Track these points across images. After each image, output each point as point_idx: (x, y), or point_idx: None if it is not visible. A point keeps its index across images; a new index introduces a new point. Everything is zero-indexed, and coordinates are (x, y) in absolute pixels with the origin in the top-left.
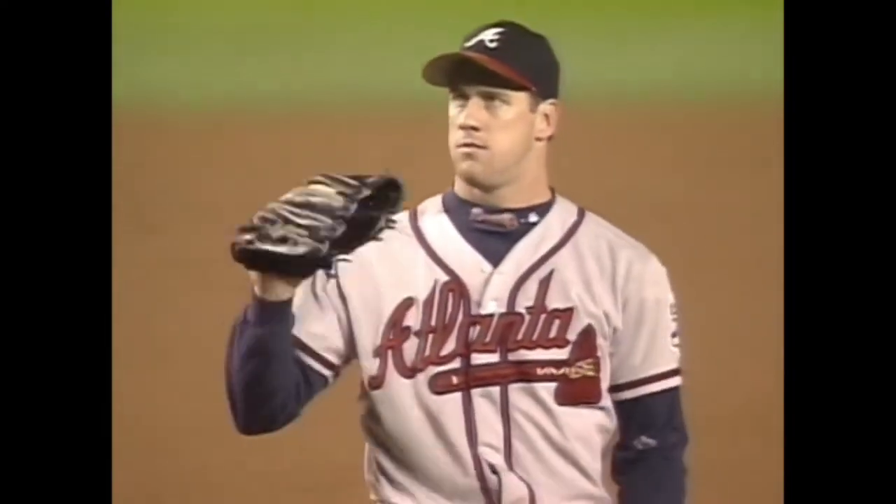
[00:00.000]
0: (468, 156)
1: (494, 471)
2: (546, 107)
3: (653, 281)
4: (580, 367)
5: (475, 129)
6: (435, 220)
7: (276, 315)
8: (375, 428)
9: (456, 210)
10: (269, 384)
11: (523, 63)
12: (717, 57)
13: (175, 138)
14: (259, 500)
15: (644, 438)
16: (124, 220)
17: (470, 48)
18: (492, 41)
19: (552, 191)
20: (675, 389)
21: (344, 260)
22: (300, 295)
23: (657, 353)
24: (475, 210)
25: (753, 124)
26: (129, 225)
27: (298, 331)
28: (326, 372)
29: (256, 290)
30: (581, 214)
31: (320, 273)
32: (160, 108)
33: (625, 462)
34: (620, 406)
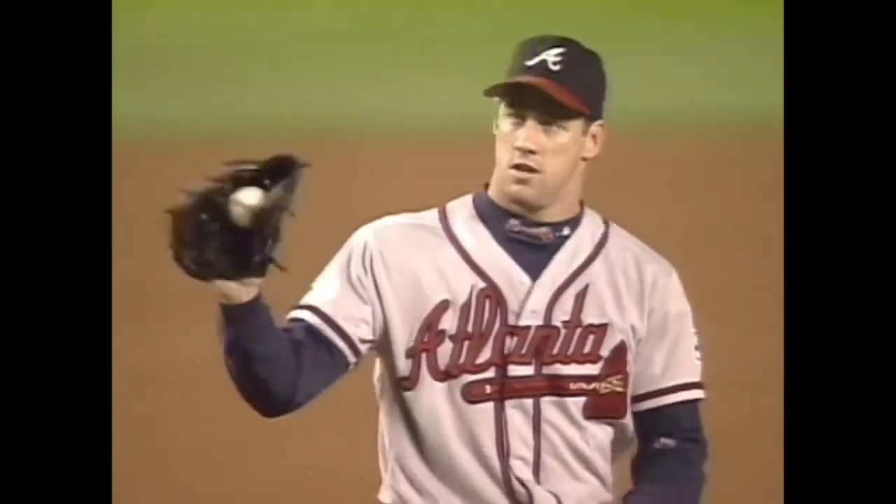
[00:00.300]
0: (522, 180)
1: (523, 484)
2: (595, 128)
3: (676, 294)
4: (610, 382)
5: (532, 151)
6: (468, 225)
7: (239, 317)
8: (400, 428)
9: (492, 217)
10: (259, 377)
11: (583, 87)
12: (716, 83)
13: (176, 161)
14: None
15: (663, 440)
16: (124, 242)
17: (532, 68)
18: (555, 63)
19: (581, 203)
20: (696, 402)
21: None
22: (337, 280)
23: (678, 364)
24: (512, 221)
25: (753, 150)
26: (128, 246)
27: (335, 313)
28: (352, 358)
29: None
30: (607, 226)
31: (354, 259)
32: (161, 131)
33: (643, 460)
34: (641, 416)
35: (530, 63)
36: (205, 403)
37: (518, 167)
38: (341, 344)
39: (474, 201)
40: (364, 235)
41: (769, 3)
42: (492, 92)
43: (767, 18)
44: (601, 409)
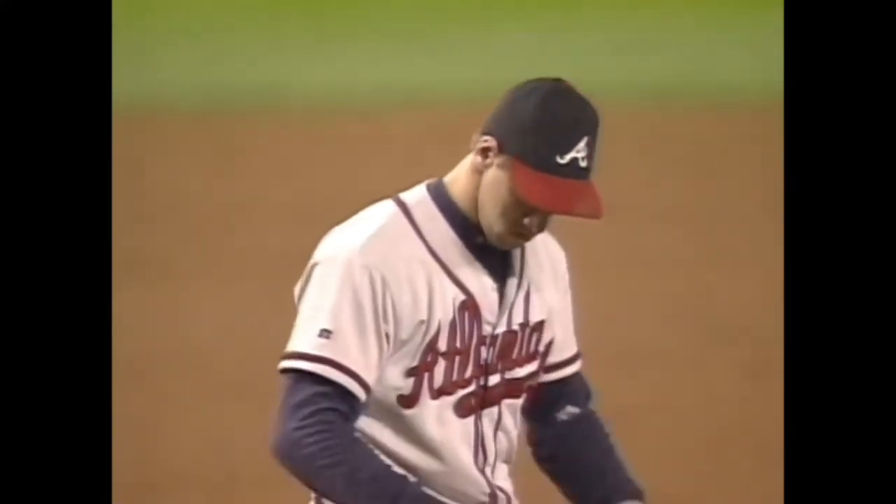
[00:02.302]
0: (517, 244)
1: (503, 491)
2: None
3: (566, 265)
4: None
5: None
6: (439, 232)
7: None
8: (389, 443)
9: (463, 227)
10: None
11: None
12: (716, 58)
13: (175, 135)
14: (259, 496)
15: (569, 408)
16: (124, 216)
17: (565, 168)
18: (583, 159)
19: None
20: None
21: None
22: (359, 331)
23: (572, 335)
24: (479, 239)
25: (754, 126)
26: (129, 221)
27: (371, 379)
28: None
29: None
30: None
31: (365, 297)
32: (161, 105)
33: (553, 432)
34: (548, 388)
35: (563, 161)
36: (207, 379)
37: (521, 237)
38: (362, 394)
39: (438, 204)
40: (354, 262)
41: None
42: (554, 212)
43: None
44: (523, 392)
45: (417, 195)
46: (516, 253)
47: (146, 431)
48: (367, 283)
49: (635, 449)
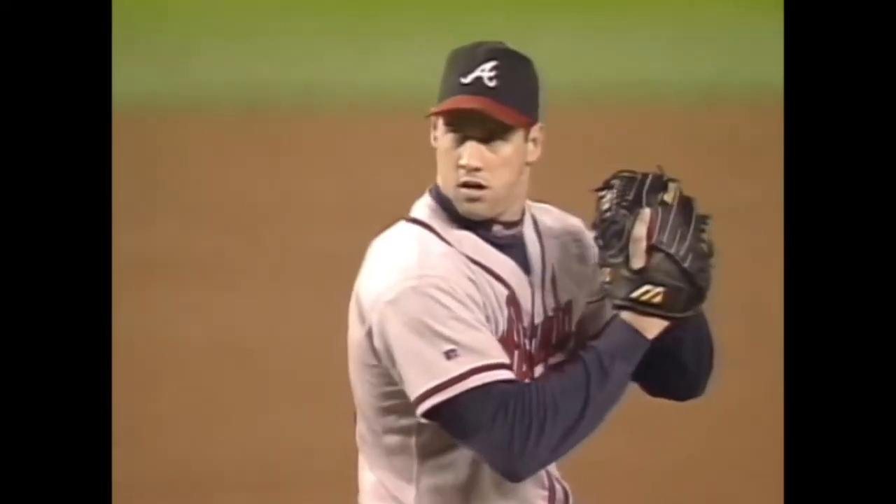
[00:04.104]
0: (472, 198)
1: (560, 483)
2: (536, 132)
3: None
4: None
5: (477, 169)
6: (457, 235)
7: (641, 352)
8: (449, 439)
9: (474, 226)
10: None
11: (520, 98)
12: (715, 52)
13: (175, 134)
14: (258, 494)
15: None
16: (124, 215)
17: (468, 86)
18: (490, 79)
19: None
20: None
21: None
22: (474, 326)
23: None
24: (496, 227)
25: (753, 120)
26: (128, 220)
27: (492, 357)
28: None
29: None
30: (526, 206)
31: (456, 298)
32: (161, 104)
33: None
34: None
35: (466, 81)
36: (204, 372)
37: (466, 185)
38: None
39: (443, 208)
40: (425, 283)
41: None
42: (433, 115)
43: None
44: None
45: (426, 208)
46: (533, 237)
47: (147, 431)
48: (446, 296)
49: (636, 449)
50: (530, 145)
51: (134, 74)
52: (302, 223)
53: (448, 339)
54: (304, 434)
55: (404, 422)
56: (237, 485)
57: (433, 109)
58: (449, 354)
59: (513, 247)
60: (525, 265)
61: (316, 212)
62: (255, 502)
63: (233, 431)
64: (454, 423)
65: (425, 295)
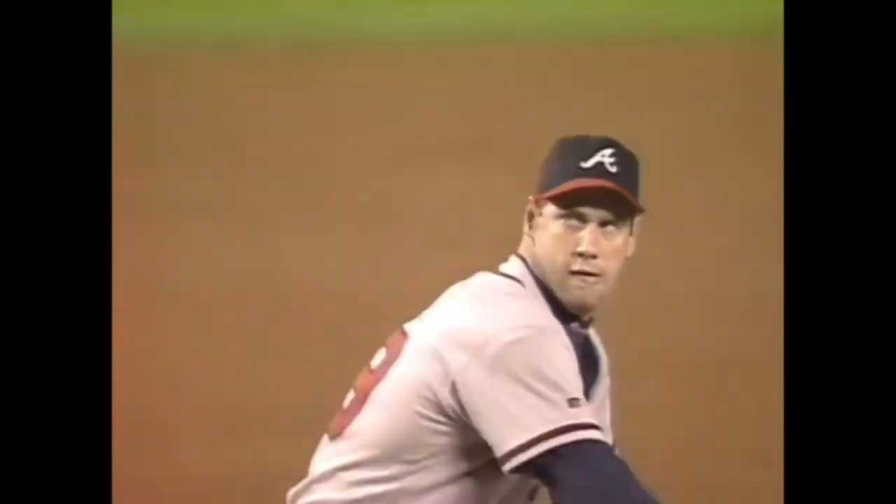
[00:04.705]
0: (585, 286)
1: None
2: (636, 225)
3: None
4: None
5: (594, 256)
6: (546, 305)
7: None
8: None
9: (561, 313)
10: None
11: (635, 187)
12: None
13: (177, 72)
14: (258, 492)
15: None
16: (125, 155)
17: (589, 170)
18: (612, 165)
19: None
20: None
21: None
22: (579, 388)
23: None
24: (574, 323)
25: (752, 62)
26: (130, 160)
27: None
28: None
29: None
30: None
31: (573, 365)
32: (162, 42)
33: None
34: None
35: (587, 165)
36: (207, 329)
37: (582, 273)
38: None
39: (536, 281)
40: (544, 332)
41: None
42: (557, 196)
43: None
44: None
45: (518, 269)
46: (599, 344)
47: (146, 430)
48: (569, 351)
49: (634, 449)
50: (632, 238)
51: (134, 10)
52: (346, 168)
53: (576, 388)
54: (340, 382)
55: (442, 468)
56: (244, 482)
57: (556, 190)
58: (572, 403)
59: (583, 347)
60: (595, 371)
61: (359, 156)
62: (260, 500)
63: (266, 375)
64: (568, 467)
65: (555, 341)
